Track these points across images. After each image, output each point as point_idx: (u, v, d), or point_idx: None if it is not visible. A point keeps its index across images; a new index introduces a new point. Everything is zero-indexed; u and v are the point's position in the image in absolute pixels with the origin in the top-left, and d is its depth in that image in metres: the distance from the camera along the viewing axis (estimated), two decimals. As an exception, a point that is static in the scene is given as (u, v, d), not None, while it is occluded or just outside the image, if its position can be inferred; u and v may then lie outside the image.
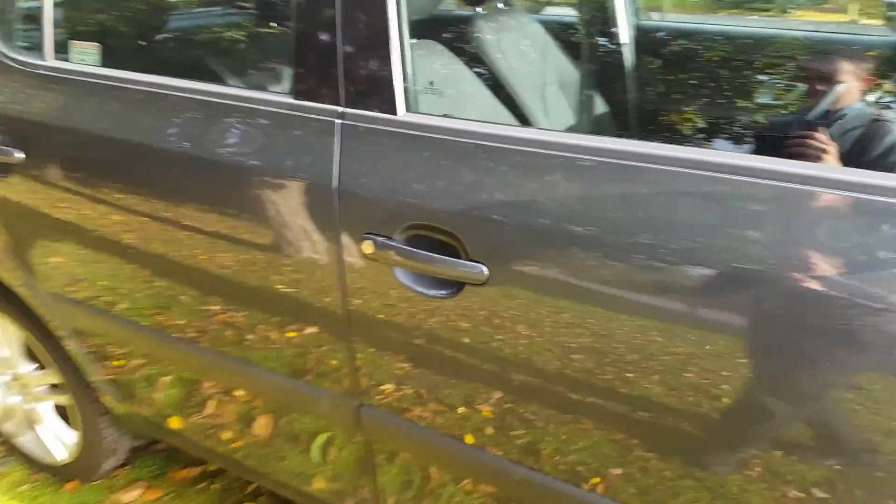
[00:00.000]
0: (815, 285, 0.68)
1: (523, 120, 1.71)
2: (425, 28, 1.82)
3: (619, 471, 0.87)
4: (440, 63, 1.38)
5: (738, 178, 0.74)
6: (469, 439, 0.99)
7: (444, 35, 2.00)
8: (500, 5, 2.20)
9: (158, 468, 1.84)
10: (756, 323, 0.73)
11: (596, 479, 0.89)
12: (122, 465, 1.82)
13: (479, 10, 2.02)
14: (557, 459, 0.91)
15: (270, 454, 1.29)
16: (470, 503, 1.04)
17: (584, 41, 2.13)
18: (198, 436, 1.40)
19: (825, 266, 0.68)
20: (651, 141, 0.80)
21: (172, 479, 1.80)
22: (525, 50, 1.94)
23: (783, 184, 0.71)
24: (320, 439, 1.19)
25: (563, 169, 0.83)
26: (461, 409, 0.97)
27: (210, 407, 1.33)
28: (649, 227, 0.77)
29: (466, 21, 1.84)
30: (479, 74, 1.61)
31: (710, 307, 0.76)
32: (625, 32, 2.07)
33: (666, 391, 0.79)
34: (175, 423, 1.43)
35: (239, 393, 1.27)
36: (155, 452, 1.89)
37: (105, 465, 1.73)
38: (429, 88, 1.13)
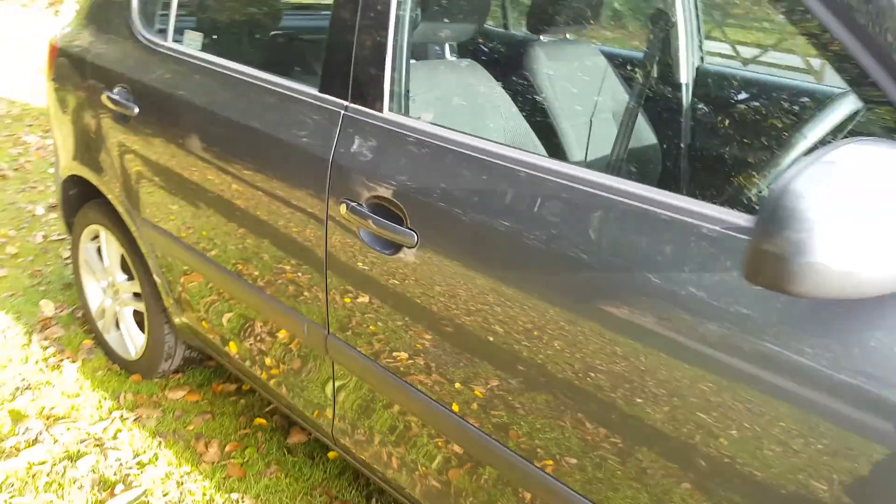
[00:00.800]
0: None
1: (556, 146, 1.92)
2: (474, 49, 2.09)
3: (494, 382, 1.12)
4: (466, 80, 1.66)
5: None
6: (400, 369, 1.26)
7: (497, 56, 2.26)
8: (568, 36, 2.41)
9: (203, 379, 2.25)
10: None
11: (478, 392, 1.14)
12: (176, 372, 2.24)
13: (542, 38, 2.26)
14: (449, 375, 1.17)
15: (282, 380, 1.62)
16: (394, 414, 1.32)
17: (643, 77, 2.29)
18: (238, 356, 1.76)
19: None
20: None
21: (212, 389, 2.20)
22: (576, 80, 2.15)
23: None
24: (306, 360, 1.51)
25: (481, 170, 1.10)
26: (396, 345, 1.25)
27: (249, 333, 1.69)
28: (536, 223, 1.02)
29: (527, 45, 2.07)
30: (516, 97, 1.85)
31: (555, 284, 0.99)
32: (685, 73, 2.21)
33: (536, 340, 1.04)
34: (214, 337, 1.81)
35: (261, 322, 1.62)
36: (204, 367, 2.30)
37: (162, 367, 2.15)
38: (417, 96, 1.40)
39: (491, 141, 1.13)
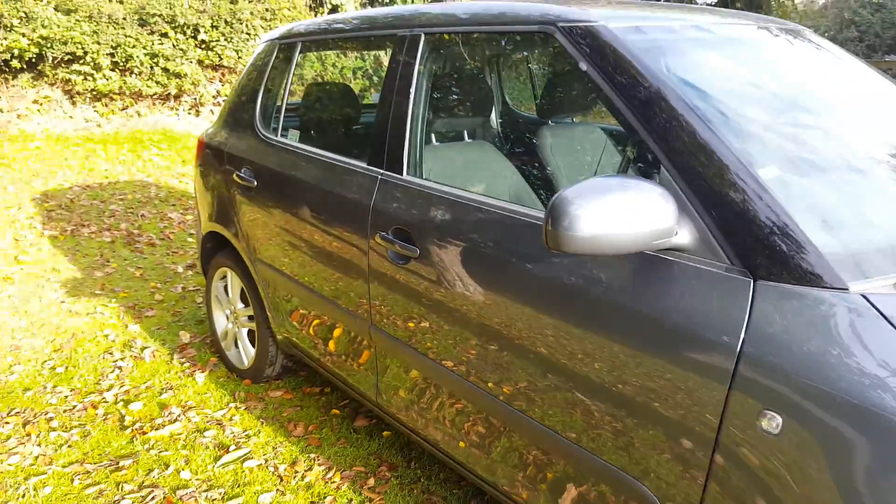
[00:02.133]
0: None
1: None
2: (487, 130, 2.77)
3: (473, 350, 1.72)
4: (474, 153, 2.34)
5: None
6: (423, 349, 1.89)
7: (513, 136, 2.93)
8: (570, 120, 3.05)
9: (296, 384, 2.95)
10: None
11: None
12: (277, 378, 2.96)
13: (550, 122, 2.91)
14: (445, 344, 1.79)
15: (342, 363, 2.29)
16: (427, 388, 1.93)
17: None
18: (316, 354, 2.45)
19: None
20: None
21: (302, 391, 2.89)
22: (577, 153, 2.76)
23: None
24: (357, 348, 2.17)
25: (459, 210, 1.75)
26: (416, 330, 1.89)
27: (326, 335, 2.39)
28: (496, 244, 1.65)
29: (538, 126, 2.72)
30: (523, 168, 2.49)
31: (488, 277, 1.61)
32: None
33: (501, 316, 1.65)
34: (309, 348, 2.51)
35: (330, 322, 2.30)
36: (297, 376, 3.01)
37: (266, 372, 2.88)
38: (434, 165, 2.08)
39: (465, 190, 1.78)
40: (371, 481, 2.29)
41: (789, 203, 1.25)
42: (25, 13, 7.68)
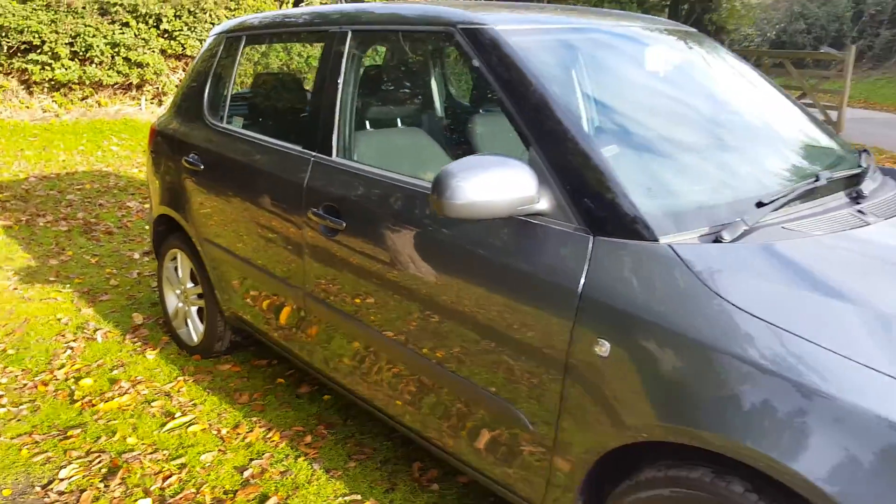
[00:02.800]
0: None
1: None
2: (431, 118, 2.96)
3: (392, 302, 1.90)
4: (406, 139, 2.51)
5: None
6: (351, 312, 2.06)
7: (452, 124, 3.11)
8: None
9: (245, 358, 3.09)
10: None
11: (383, 313, 1.93)
12: (226, 353, 3.10)
13: (481, 111, 3.09)
14: (368, 305, 1.96)
15: (285, 332, 2.45)
16: (356, 348, 2.10)
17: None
18: (260, 325, 2.60)
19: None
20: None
21: (250, 364, 3.04)
22: (499, 138, 2.95)
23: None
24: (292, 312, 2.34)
25: (377, 187, 1.92)
26: (345, 295, 2.06)
27: (269, 308, 2.54)
28: (408, 215, 1.83)
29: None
30: (451, 152, 2.67)
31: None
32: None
33: (404, 275, 1.82)
34: (254, 320, 2.66)
35: (272, 295, 2.46)
36: (246, 351, 3.15)
37: (216, 347, 3.02)
38: (365, 148, 2.25)
39: (385, 170, 1.96)
40: (308, 438, 2.46)
41: (621, 175, 1.51)
42: (-20, 1, 7.62)
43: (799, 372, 1.17)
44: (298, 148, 2.26)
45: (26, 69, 8.11)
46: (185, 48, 8.88)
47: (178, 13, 8.75)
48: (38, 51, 8.06)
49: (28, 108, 8.37)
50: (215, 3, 8.98)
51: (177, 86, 9.01)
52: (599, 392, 1.43)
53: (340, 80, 2.13)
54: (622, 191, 1.47)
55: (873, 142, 10.18)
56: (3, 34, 7.81)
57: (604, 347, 1.41)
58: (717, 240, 1.41)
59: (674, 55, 2.19)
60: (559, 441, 1.54)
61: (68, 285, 3.94)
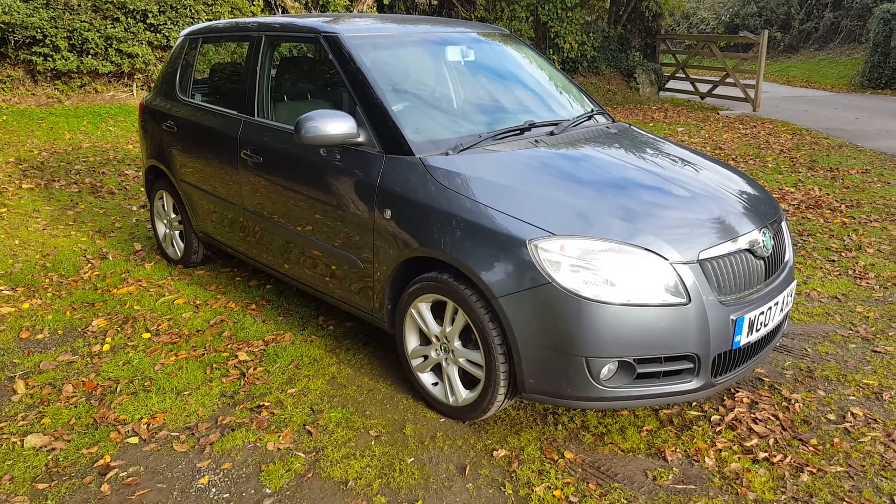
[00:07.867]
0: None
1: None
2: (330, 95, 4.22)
3: (279, 205, 3.18)
4: (308, 108, 3.76)
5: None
6: (266, 213, 3.33)
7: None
8: None
9: (215, 267, 4.38)
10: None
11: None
12: (201, 264, 4.38)
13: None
14: (268, 207, 3.24)
15: (234, 237, 3.72)
16: (269, 236, 3.37)
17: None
18: (219, 237, 3.88)
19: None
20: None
21: (219, 270, 4.33)
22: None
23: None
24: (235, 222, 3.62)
25: (270, 133, 3.19)
26: (265, 204, 3.33)
27: (230, 226, 3.82)
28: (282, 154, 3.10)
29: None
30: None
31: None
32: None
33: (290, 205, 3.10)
34: (215, 234, 3.94)
35: (221, 210, 3.73)
36: (217, 262, 4.44)
37: (192, 259, 4.30)
38: (280, 111, 3.50)
39: (283, 123, 3.22)
40: (253, 306, 3.77)
41: (402, 122, 2.76)
42: (-10, 3, 8.77)
43: (475, 215, 2.41)
44: (235, 112, 3.52)
45: (31, 60, 9.29)
46: (168, 40, 10.05)
47: (162, 9, 9.91)
48: (41, 44, 9.23)
49: (34, 94, 9.56)
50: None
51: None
52: (390, 236, 2.68)
53: (258, 68, 3.39)
54: (401, 131, 2.72)
55: (786, 116, 11.52)
56: (11, 30, 8.98)
57: (387, 213, 2.66)
58: (446, 154, 2.67)
59: (473, 50, 3.43)
60: (375, 266, 2.80)
61: (84, 227, 5.21)
